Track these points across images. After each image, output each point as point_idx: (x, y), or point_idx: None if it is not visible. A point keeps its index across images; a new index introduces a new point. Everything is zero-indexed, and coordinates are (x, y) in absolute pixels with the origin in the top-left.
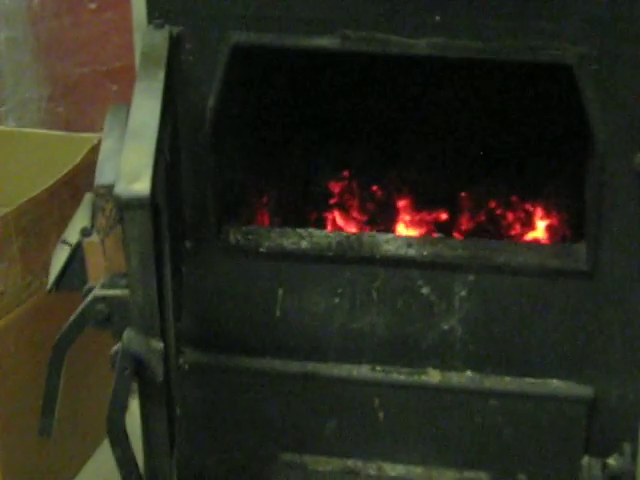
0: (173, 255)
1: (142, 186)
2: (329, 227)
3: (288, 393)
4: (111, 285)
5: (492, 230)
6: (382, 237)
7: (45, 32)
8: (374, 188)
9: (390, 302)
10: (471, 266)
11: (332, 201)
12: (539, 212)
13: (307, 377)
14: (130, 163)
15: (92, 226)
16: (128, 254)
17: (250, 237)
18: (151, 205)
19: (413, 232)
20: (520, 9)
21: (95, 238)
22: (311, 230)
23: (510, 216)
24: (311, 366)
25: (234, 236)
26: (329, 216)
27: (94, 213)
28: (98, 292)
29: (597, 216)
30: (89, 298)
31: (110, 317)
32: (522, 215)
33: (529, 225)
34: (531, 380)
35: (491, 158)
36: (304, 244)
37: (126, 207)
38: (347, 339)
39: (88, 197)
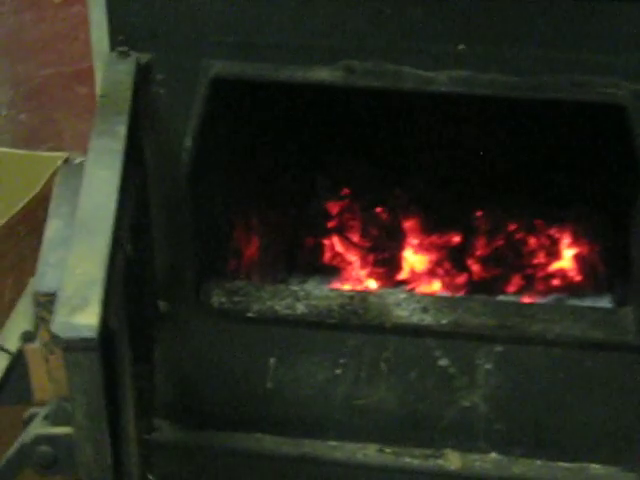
0: (141, 319)
1: (88, 320)
2: (327, 255)
3: (281, 478)
4: (57, 417)
5: (511, 257)
6: (392, 298)
7: (3, 30)
8: (377, 208)
9: (402, 374)
10: (498, 336)
11: (330, 224)
12: (566, 238)
13: (303, 459)
14: (74, 279)
15: (36, 328)
16: (72, 404)
17: (236, 299)
18: (100, 345)
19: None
20: (562, 37)
21: (37, 344)
22: (308, 289)
23: (532, 241)
24: (308, 446)
25: (217, 297)
26: (327, 242)
27: (38, 322)
28: (41, 429)
29: None
30: (30, 436)
31: (56, 461)
32: (546, 241)
33: (554, 253)
34: (566, 465)
35: (511, 174)
36: (300, 308)
37: (67, 349)
38: (351, 416)
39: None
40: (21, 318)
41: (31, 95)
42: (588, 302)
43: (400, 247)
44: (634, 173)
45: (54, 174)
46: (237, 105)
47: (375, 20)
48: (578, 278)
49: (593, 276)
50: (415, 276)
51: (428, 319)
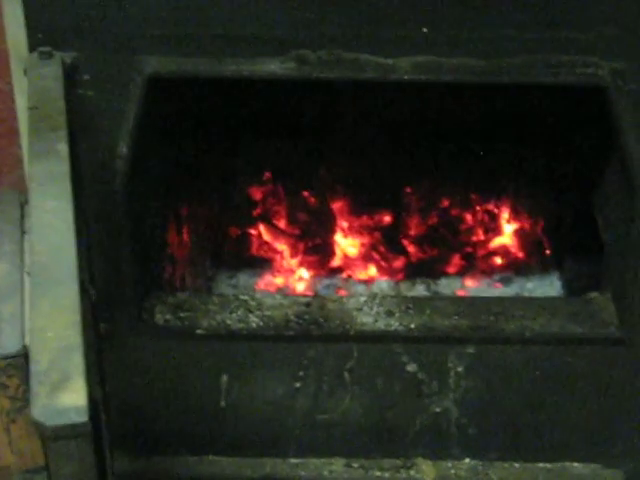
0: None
1: (75, 399)
2: (254, 246)
3: None
4: None
5: (448, 235)
6: (352, 302)
7: None
8: (303, 192)
9: (367, 384)
10: (471, 337)
11: (255, 212)
12: (505, 213)
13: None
14: (47, 346)
15: None
16: None
17: (182, 314)
18: (93, 428)
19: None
20: (536, 15)
21: None
22: (259, 297)
23: (469, 218)
24: (269, 466)
25: (161, 314)
26: (253, 231)
27: None
28: None
29: (633, 263)
30: None
31: None
32: (484, 217)
33: (493, 229)
34: (547, 465)
35: (440, 145)
36: (253, 321)
37: (55, 439)
38: (313, 430)
39: None
40: None
41: None
42: (535, 281)
43: (330, 231)
44: (607, 158)
45: None
46: (168, 101)
47: (327, 4)
48: (522, 255)
49: (539, 253)
50: (350, 262)
51: (395, 324)
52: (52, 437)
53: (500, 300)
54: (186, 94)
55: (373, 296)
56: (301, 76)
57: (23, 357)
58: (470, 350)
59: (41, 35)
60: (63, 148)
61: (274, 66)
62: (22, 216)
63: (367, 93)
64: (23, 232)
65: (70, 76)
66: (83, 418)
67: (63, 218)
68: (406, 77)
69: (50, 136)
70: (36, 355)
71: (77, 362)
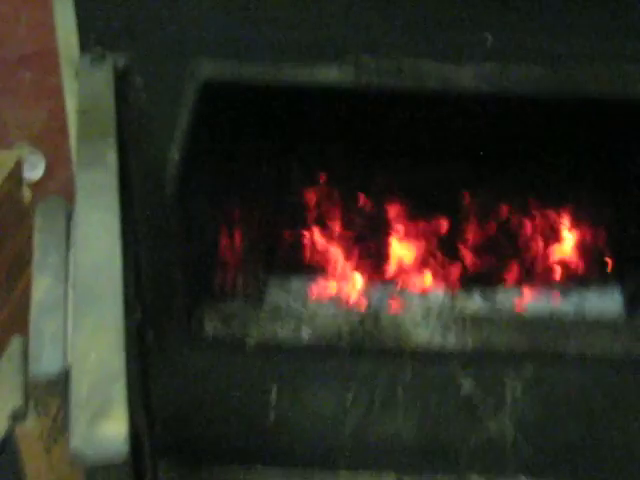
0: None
1: (116, 429)
2: (308, 249)
3: None
4: None
5: (507, 244)
6: (407, 318)
7: None
8: (358, 195)
9: (421, 400)
10: (529, 355)
11: (309, 215)
12: (566, 222)
13: None
14: (88, 371)
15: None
16: None
17: (232, 324)
18: (133, 457)
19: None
20: (610, 24)
21: (32, 424)
22: (313, 308)
23: (528, 226)
24: (318, 477)
25: (211, 324)
26: (307, 236)
27: (29, 396)
28: None
29: None
30: None
31: None
32: (544, 225)
33: (553, 239)
34: None
35: (502, 152)
36: (305, 334)
37: (93, 470)
38: (364, 444)
39: (16, 343)
40: (6, 389)
41: None
42: (596, 294)
43: (386, 237)
44: None
45: (8, 177)
46: (223, 106)
47: (389, 9)
48: (582, 267)
49: (600, 265)
50: (405, 268)
51: (452, 341)
52: (91, 468)
53: (561, 319)
54: (241, 97)
55: (429, 311)
56: (359, 84)
57: (65, 377)
58: (528, 369)
59: (93, 36)
60: (111, 157)
61: (332, 73)
62: (69, 226)
63: (429, 100)
64: (69, 244)
65: (122, 79)
66: (123, 449)
67: (109, 231)
68: (470, 87)
69: (99, 144)
70: (77, 379)
71: (119, 388)
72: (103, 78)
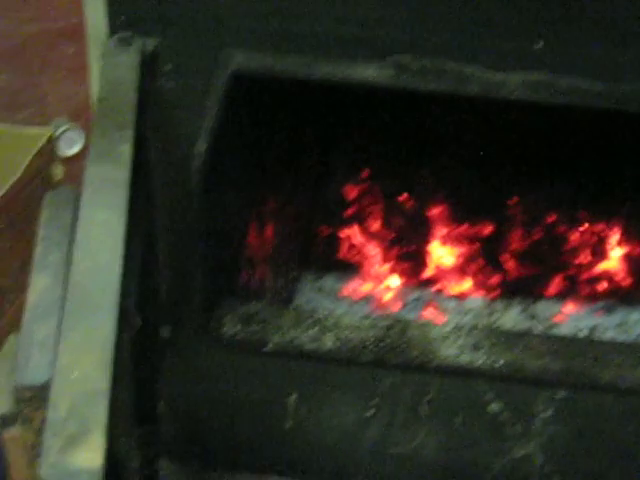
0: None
1: (89, 460)
2: (344, 247)
3: None
4: None
5: (551, 253)
6: (436, 331)
7: None
8: (401, 194)
9: (445, 419)
10: (562, 381)
11: (348, 212)
12: (614, 236)
13: None
14: (69, 389)
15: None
16: None
17: (252, 328)
18: None
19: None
20: None
21: (18, 432)
22: (338, 315)
23: (575, 237)
24: None
25: (230, 325)
26: (344, 233)
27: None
28: None
29: None
30: None
31: None
32: (591, 238)
33: (600, 252)
34: None
35: (551, 157)
36: (328, 341)
37: None
38: (383, 462)
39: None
40: None
41: (11, 55)
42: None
43: (426, 239)
44: None
45: (37, 155)
46: (254, 98)
47: (435, 8)
48: (628, 283)
49: None
50: (443, 273)
51: (480, 360)
52: None
53: (599, 343)
54: (278, 89)
55: (459, 327)
56: (399, 85)
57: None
58: (560, 395)
59: (123, 17)
60: (126, 150)
61: (371, 72)
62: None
63: (474, 106)
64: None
65: (150, 65)
66: None
67: (112, 234)
68: (514, 96)
69: (115, 135)
70: (55, 399)
71: (100, 411)
72: (128, 64)
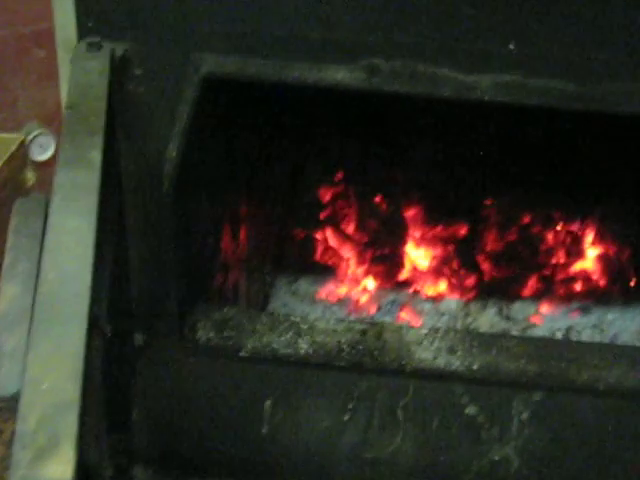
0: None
1: (59, 473)
2: (319, 250)
3: None
4: None
5: (526, 254)
6: (411, 335)
7: None
8: (375, 197)
9: (421, 423)
10: (537, 383)
11: (322, 214)
12: (589, 236)
13: None
14: (39, 401)
15: None
16: None
17: (226, 334)
18: None
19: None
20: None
21: None
22: (313, 319)
23: (550, 238)
24: None
25: (204, 332)
26: (319, 235)
27: None
28: None
29: None
30: None
31: None
32: (566, 238)
33: (575, 252)
34: None
35: (526, 157)
36: (303, 346)
37: None
38: (360, 467)
39: None
40: None
41: None
42: (616, 312)
43: (401, 241)
44: None
45: (8, 160)
46: (225, 102)
47: (405, 10)
48: (603, 283)
49: (622, 283)
50: (419, 275)
51: (456, 363)
52: None
53: (574, 345)
54: (249, 93)
55: (435, 330)
56: (370, 88)
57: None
58: (537, 397)
59: (92, 23)
60: (96, 156)
61: (342, 75)
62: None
63: (446, 108)
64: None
65: (120, 70)
66: None
67: (82, 241)
68: (487, 97)
69: (84, 142)
70: (24, 411)
71: (70, 423)
72: (97, 69)
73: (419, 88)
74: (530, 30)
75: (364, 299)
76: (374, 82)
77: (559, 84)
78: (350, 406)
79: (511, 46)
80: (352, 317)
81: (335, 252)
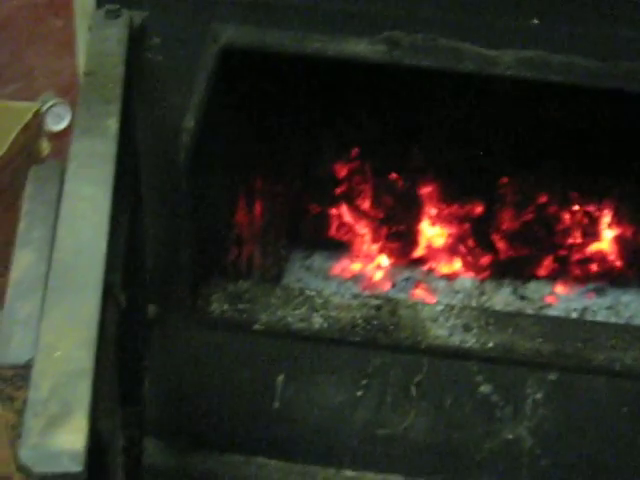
0: (130, 342)
1: (71, 442)
2: (333, 226)
3: None
4: None
5: (542, 234)
6: (427, 311)
7: None
8: (391, 173)
9: (435, 400)
10: (553, 363)
11: (338, 190)
12: (606, 217)
13: None
14: (52, 369)
15: None
16: None
17: (240, 306)
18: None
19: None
20: None
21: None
22: (327, 295)
23: (566, 218)
24: (320, 475)
25: (218, 304)
26: (334, 211)
27: None
28: None
29: None
30: None
31: None
32: (583, 218)
33: (592, 233)
34: None
35: (544, 138)
36: (317, 321)
37: None
38: (372, 443)
39: None
40: None
41: None
42: (632, 294)
43: (417, 218)
44: None
45: (24, 129)
46: (243, 73)
47: None
48: (620, 265)
49: (637, 264)
50: (433, 253)
51: (471, 341)
52: None
53: (591, 325)
54: (267, 65)
55: (451, 307)
56: (391, 61)
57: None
58: (551, 377)
59: None
60: (113, 125)
61: (362, 47)
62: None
63: (466, 84)
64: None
65: (138, 38)
66: (77, 467)
67: (98, 209)
68: (509, 73)
69: (101, 110)
70: (37, 378)
71: (83, 391)
72: (115, 37)
73: (440, 62)
74: (554, 5)
75: (378, 276)
76: (395, 55)
77: (583, 61)
78: (363, 382)
79: (535, 21)
80: (366, 293)
81: (350, 228)
